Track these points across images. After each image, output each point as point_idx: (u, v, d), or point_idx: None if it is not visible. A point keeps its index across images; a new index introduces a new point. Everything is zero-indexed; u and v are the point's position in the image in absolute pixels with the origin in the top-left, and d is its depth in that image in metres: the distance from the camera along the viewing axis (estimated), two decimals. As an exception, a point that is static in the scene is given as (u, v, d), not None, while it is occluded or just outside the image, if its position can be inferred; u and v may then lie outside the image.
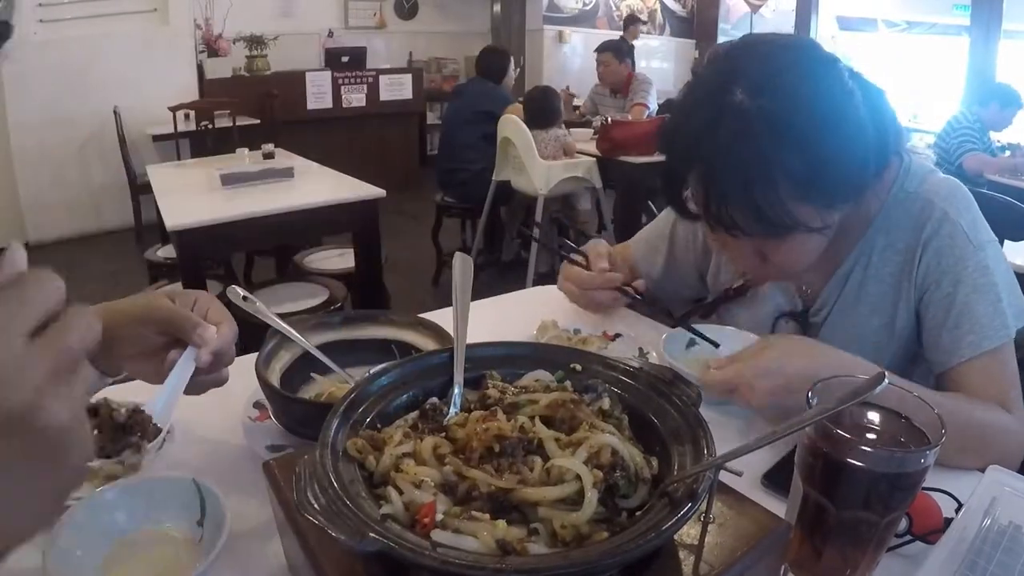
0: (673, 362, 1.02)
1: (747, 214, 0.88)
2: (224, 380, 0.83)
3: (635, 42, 6.36)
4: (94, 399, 0.90)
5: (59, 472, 0.38)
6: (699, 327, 1.14)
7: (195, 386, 0.79)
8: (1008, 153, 4.42)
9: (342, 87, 6.72)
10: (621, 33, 7.19)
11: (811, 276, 1.14)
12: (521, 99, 4.37)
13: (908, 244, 1.04)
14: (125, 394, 0.93)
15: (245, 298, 0.95)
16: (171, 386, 0.75)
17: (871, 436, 0.63)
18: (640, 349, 1.15)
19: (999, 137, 4.56)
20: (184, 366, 0.76)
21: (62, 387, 0.37)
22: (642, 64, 7.21)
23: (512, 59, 4.75)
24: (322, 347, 0.94)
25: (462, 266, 0.82)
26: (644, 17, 8.65)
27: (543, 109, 4.15)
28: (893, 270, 1.06)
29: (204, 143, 4.91)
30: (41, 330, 0.37)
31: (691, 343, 1.12)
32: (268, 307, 0.94)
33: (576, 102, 6.03)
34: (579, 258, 1.28)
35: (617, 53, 5.24)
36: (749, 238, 0.92)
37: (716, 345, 1.10)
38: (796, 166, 0.84)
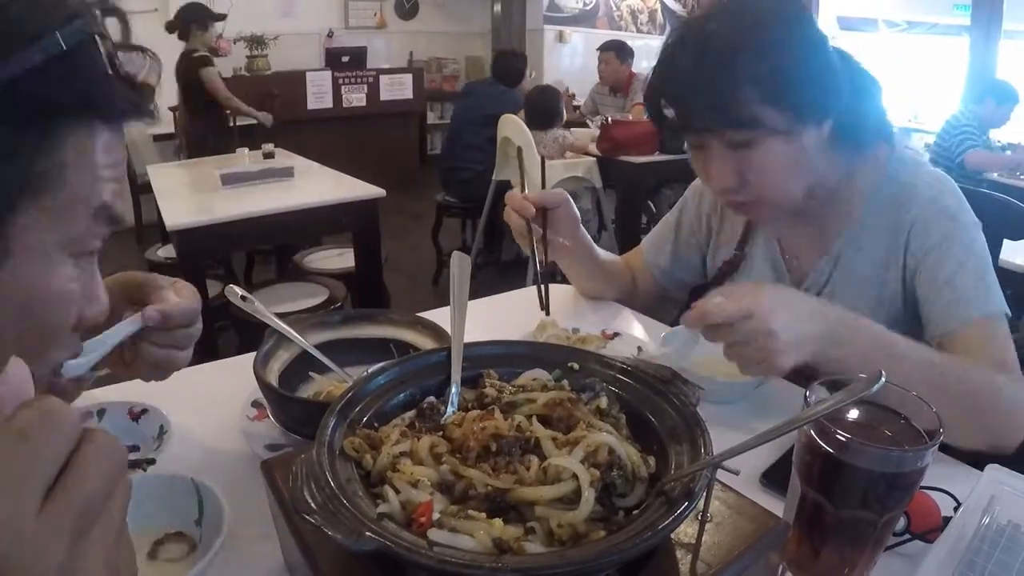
0: (672, 361, 1.01)
1: (712, 110, 0.96)
2: (182, 362, 0.79)
3: (637, 42, 6.36)
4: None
5: None
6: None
7: (147, 360, 0.75)
8: (1009, 152, 4.40)
9: (342, 87, 6.73)
10: (621, 33, 7.17)
11: (802, 256, 1.18)
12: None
13: (896, 228, 1.06)
14: (120, 395, 0.94)
15: (244, 298, 0.95)
16: (105, 334, 0.70)
17: (869, 435, 0.63)
18: (639, 348, 1.15)
19: (999, 137, 4.54)
20: (131, 321, 0.72)
21: (90, 551, 0.32)
22: (643, 64, 7.20)
23: (528, 63, 4.71)
24: (320, 346, 0.94)
25: (459, 265, 0.82)
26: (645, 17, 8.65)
27: (543, 109, 4.14)
28: (882, 253, 1.08)
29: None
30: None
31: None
32: (268, 307, 0.94)
33: (576, 102, 6.02)
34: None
35: (619, 53, 5.25)
36: (719, 136, 0.99)
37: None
38: (756, 70, 0.93)
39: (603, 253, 1.39)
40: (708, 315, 0.84)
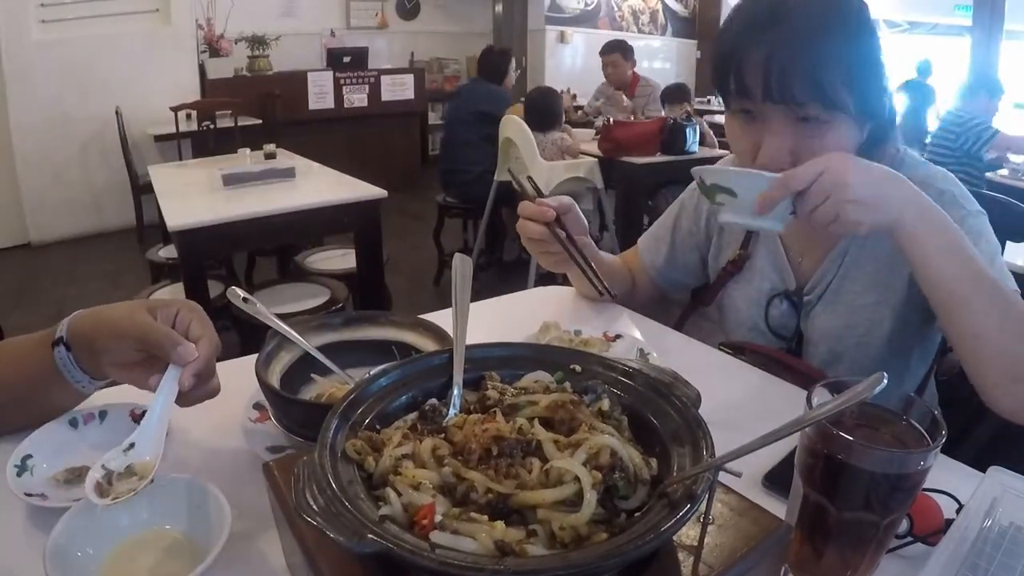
0: (727, 171, 0.96)
1: (806, 79, 0.94)
2: (215, 391, 0.82)
3: (639, 43, 6.37)
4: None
5: None
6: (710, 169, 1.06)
7: (184, 400, 0.78)
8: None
9: (344, 87, 6.73)
10: (622, 33, 7.15)
11: (806, 255, 1.19)
12: (523, 99, 4.36)
13: None
14: (121, 396, 0.94)
15: (245, 299, 0.95)
16: (157, 414, 0.73)
17: (871, 437, 0.63)
18: (640, 350, 1.15)
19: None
20: (167, 391, 0.75)
21: None
22: (644, 64, 7.20)
23: (513, 59, 4.74)
24: (322, 348, 0.94)
25: (461, 266, 0.82)
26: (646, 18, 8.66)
27: (542, 111, 4.15)
28: (887, 251, 1.08)
29: (206, 143, 4.92)
30: None
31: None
32: (270, 308, 0.94)
33: (579, 101, 6.02)
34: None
35: (624, 54, 5.27)
36: (793, 109, 0.96)
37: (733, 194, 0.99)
38: (846, 54, 0.95)
39: (605, 255, 1.39)
40: (788, 182, 0.87)
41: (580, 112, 5.78)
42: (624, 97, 5.34)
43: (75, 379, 0.82)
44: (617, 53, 5.29)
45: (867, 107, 0.99)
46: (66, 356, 0.80)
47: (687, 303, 1.47)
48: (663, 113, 5.00)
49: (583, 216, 1.26)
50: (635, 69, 5.46)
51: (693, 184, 1.37)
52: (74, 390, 0.83)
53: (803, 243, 1.20)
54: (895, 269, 1.09)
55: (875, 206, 0.86)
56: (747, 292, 1.27)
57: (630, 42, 5.57)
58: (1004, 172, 4.07)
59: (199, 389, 0.78)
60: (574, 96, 6.18)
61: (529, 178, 1.28)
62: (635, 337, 1.21)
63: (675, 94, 5.15)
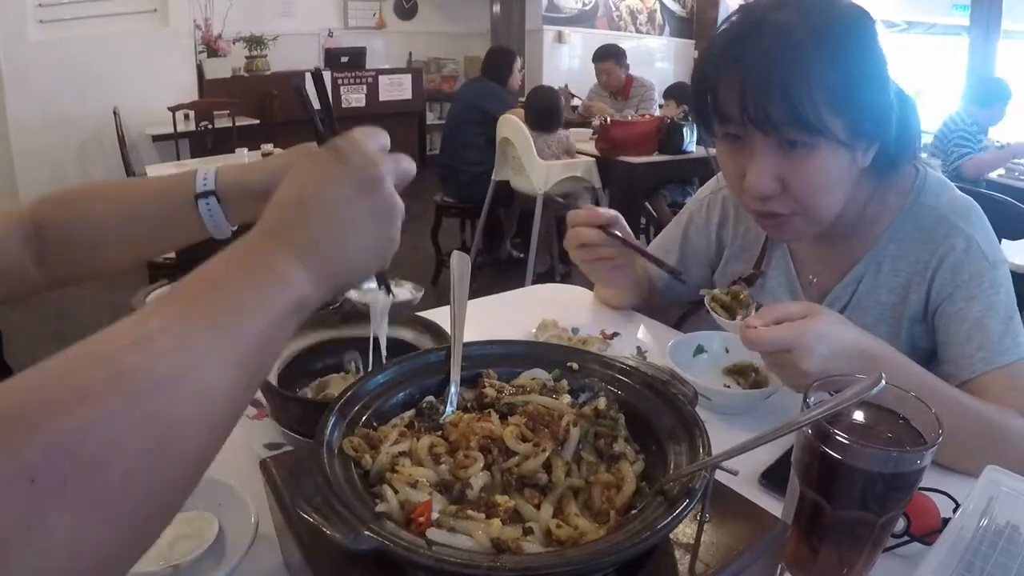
0: (679, 370, 1.00)
1: (781, 106, 0.89)
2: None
3: (638, 42, 6.34)
4: None
5: (388, 231, 0.57)
6: (707, 333, 1.12)
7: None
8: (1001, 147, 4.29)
9: (342, 87, 6.73)
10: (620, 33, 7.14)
11: (819, 277, 1.15)
12: (522, 100, 4.35)
13: (920, 257, 1.04)
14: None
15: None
16: None
17: (868, 436, 0.63)
18: (638, 348, 1.15)
19: (997, 136, 4.48)
20: None
21: (393, 180, 0.57)
22: (642, 65, 7.19)
23: (518, 59, 4.72)
24: (320, 345, 0.94)
25: (459, 264, 0.81)
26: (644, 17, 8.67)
27: (545, 110, 4.11)
28: (903, 280, 1.06)
29: (203, 143, 4.92)
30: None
31: (699, 350, 1.10)
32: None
33: (575, 101, 6.00)
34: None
35: (617, 59, 5.25)
36: (774, 134, 0.92)
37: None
38: (829, 75, 0.89)
39: None
40: (754, 344, 0.87)
41: (576, 113, 5.76)
42: (614, 101, 5.34)
43: (219, 228, 0.85)
44: (610, 61, 5.27)
45: (862, 130, 0.93)
46: (216, 207, 0.84)
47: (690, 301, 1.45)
48: (658, 112, 4.99)
49: (627, 226, 1.25)
50: (630, 71, 5.45)
51: (699, 195, 1.35)
52: (202, 234, 0.87)
53: (816, 264, 1.16)
54: (909, 300, 1.05)
55: (826, 371, 0.83)
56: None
57: (628, 43, 5.56)
58: (1002, 171, 4.05)
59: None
60: (572, 95, 6.15)
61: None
62: (633, 335, 1.21)
63: (674, 92, 5.15)
